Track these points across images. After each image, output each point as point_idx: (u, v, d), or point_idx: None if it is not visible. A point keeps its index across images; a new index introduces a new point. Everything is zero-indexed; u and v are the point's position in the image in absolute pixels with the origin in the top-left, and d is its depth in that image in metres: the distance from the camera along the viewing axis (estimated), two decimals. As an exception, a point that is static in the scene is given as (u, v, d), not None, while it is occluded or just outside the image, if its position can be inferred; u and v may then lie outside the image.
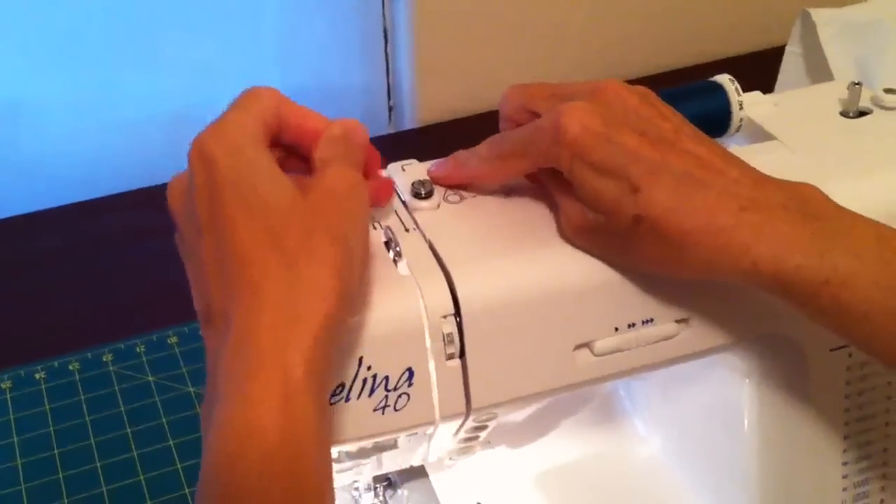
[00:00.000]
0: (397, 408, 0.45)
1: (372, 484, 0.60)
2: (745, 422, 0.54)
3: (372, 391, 0.44)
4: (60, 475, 0.72)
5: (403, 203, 0.49)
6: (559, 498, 0.61)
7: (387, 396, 0.45)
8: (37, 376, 0.81)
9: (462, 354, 0.45)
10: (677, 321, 0.48)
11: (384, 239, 0.47)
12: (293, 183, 0.40)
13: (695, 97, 0.54)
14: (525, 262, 0.46)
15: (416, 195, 0.49)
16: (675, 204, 0.42)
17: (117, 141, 1.07)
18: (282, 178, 0.40)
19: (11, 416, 0.77)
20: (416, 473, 0.62)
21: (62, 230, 0.99)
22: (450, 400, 0.46)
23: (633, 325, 0.47)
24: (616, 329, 0.47)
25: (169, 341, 0.84)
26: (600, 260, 0.46)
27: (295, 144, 0.45)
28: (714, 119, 0.54)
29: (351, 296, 0.41)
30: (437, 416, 0.46)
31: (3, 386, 0.80)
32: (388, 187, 0.48)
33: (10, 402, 0.78)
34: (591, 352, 0.47)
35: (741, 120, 0.54)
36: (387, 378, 0.44)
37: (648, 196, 0.42)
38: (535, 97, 0.48)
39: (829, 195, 0.43)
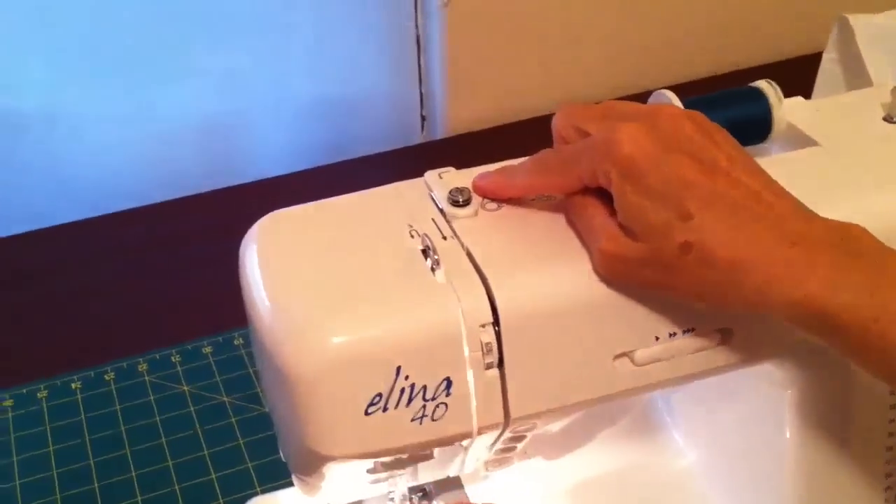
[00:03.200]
0: (435, 418, 0.45)
1: (408, 494, 0.60)
2: (786, 435, 0.53)
3: (410, 401, 0.44)
4: (96, 485, 0.72)
5: (441, 211, 0.49)
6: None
7: (424, 406, 0.44)
8: (73, 386, 0.81)
9: (501, 364, 0.45)
10: (719, 330, 0.47)
11: (421, 247, 0.46)
12: None
13: (735, 102, 0.53)
14: (564, 271, 0.45)
15: (454, 203, 0.48)
16: (728, 233, 0.41)
17: (151, 151, 1.07)
18: None
19: (48, 426, 0.78)
20: (452, 484, 0.61)
21: (97, 239, 1.00)
22: (488, 410, 0.45)
23: (674, 334, 0.46)
24: (657, 338, 0.46)
25: (203, 351, 0.84)
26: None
27: None
28: (755, 124, 0.53)
29: None
30: (475, 426, 0.45)
31: (40, 396, 0.80)
32: None
33: (46, 412, 0.79)
34: (632, 361, 0.46)
35: (782, 125, 0.53)
36: (424, 388, 0.44)
37: (701, 223, 0.42)
38: (587, 117, 0.47)
39: (874, 203, 0.42)
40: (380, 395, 0.43)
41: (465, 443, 0.47)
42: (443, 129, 1.17)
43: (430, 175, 0.51)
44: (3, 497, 0.72)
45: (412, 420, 0.44)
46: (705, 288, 0.43)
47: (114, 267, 0.96)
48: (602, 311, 0.45)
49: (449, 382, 0.44)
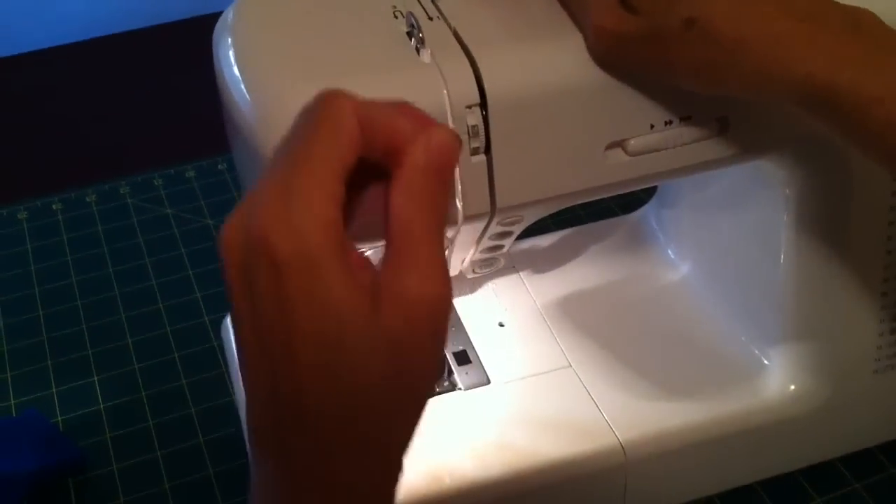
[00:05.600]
0: (419, 204, 0.43)
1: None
2: (782, 236, 0.52)
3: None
4: (79, 302, 0.72)
5: (427, -9, 0.46)
6: (582, 320, 0.59)
7: (408, 192, 0.42)
8: (54, 207, 0.79)
9: (488, 149, 0.43)
10: (717, 119, 0.45)
11: (406, 29, 0.44)
12: (366, 280, 0.32)
13: None
14: (557, 52, 0.43)
15: (441, -18, 0.45)
16: (734, 7, 0.40)
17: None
18: (357, 300, 0.31)
19: (29, 245, 0.76)
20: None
21: (88, 64, 0.97)
22: (474, 197, 0.43)
23: (671, 122, 0.44)
24: (652, 126, 0.44)
25: (187, 175, 0.82)
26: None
27: (383, 157, 0.34)
28: None
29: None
30: (460, 214, 0.44)
31: (20, 217, 0.79)
32: None
33: (27, 232, 0.77)
34: (625, 151, 0.44)
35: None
36: (408, 172, 0.42)
37: None
38: None
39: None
40: (361, 178, 0.41)
41: (449, 234, 0.46)
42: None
43: (417, -44, 0.47)
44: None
45: (394, 206, 0.42)
46: (706, 67, 0.41)
47: (103, 90, 0.93)
48: (595, 95, 0.43)
49: (433, 167, 0.42)
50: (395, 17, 0.44)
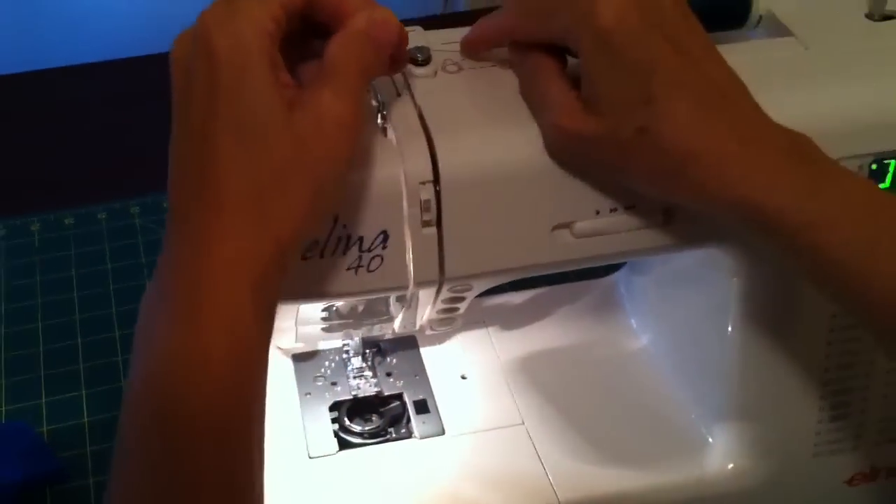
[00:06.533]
0: (371, 269, 0.46)
1: (361, 348, 0.62)
2: (730, 320, 0.54)
3: (346, 250, 0.45)
4: (77, 316, 0.75)
5: (403, 69, 0.49)
6: (541, 379, 0.62)
7: (360, 257, 0.45)
8: (66, 221, 0.84)
9: (439, 223, 0.45)
10: (662, 210, 0.47)
11: (374, 102, 0.47)
12: (290, 95, 0.39)
13: (714, -16, 0.52)
14: (513, 137, 0.46)
15: (413, 61, 0.48)
16: (686, 122, 0.41)
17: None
18: (275, 99, 0.39)
19: (36, 258, 0.80)
20: (407, 343, 0.63)
21: (104, 83, 1.01)
22: (424, 266, 0.46)
23: (616, 210, 0.47)
24: (597, 212, 0.47)
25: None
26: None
27: (325, 24, 0.42)
28: (732, 10, 0.52)
29: (310, 233, 0.42)
30: (411, 281, 0.47)
31: (33, 228, 0.83)
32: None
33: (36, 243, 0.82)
34: (571, 232, 0.47)
35: (761, 14, 0.52)
36: (361, 239, 0.45)
37: (664, 108, 0.41)
38: None
39: (841, 95, 0.42)
40: (317, 242, 0.44)
41: (394, 297, 0.49)
42: (465, 2, 1.15)
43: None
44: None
45: (347, 269, 0.45)
46: (655, 175, 0.43)
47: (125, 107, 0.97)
48: (545, 180, 0.46)
49: (386, 236, 0.45)
50: (369, 90, 0.47)
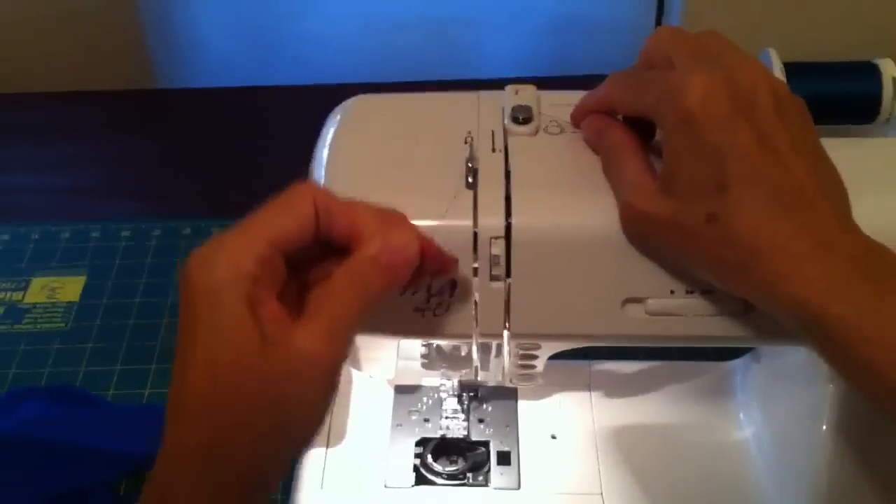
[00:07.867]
0: (437, 313, 0.47)
1: (458, 390, 0.63)
2: (824, 425, 0.51)
3: (415, 291, 0.47)
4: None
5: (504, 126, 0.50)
6: (631, 453, 0.60)
7: (429, 300, 0.47)
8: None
9: (507, 278, 0.46)
10: (743, 300, 0.46)
11: (466, 154, 0.48)
12: (271, 330, 0.39)
13: (845, 75, 0.50)
14: (594, 203, 0.45)
15: (514, 120, 0.49)
16: (756, 216, 0.40)
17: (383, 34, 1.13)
18: (245, 337, 0.39)
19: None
20: (505, 393, 0.64)
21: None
22: (489, 319, 0.47)
23: (692, 292, 0.46)
24: (672, 292, 0.46)
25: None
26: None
27: (346, 243, 0.42)
28: (861, 102, 0.49)
29: (276, 474, 0.41)
30: (476, 331, 0.47)
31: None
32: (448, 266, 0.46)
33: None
34: (644, 309, 0.46)
35: (891, 109, 0.49)
36: (430, 283, 0.46)
37: (736, 197, 0.40)
38: (679, 49, 0.45)
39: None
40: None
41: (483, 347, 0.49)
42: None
43: (509, 89, 0.52)
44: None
45: (415, 310, 0.47)
46: (720, 265, 0.41)
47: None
48: (619, 251, 0.45)
49: (454, 284, 0.46)
50: (466, 142, 0.49)
